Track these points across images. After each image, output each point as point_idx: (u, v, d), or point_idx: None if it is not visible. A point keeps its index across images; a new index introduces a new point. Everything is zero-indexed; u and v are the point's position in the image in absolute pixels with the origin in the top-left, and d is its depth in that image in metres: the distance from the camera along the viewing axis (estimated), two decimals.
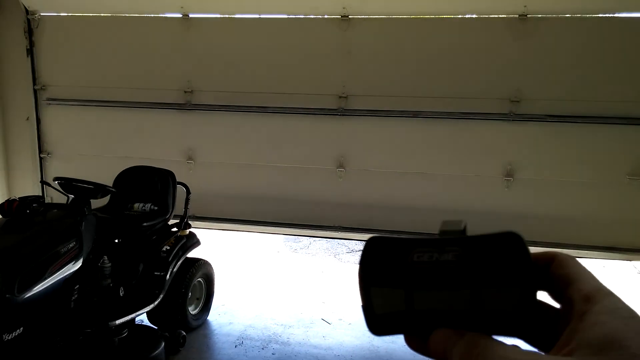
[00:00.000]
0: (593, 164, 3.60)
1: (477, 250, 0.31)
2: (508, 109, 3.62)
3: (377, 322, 0.34)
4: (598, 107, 3.47)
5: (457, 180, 3.81)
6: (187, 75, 4.03)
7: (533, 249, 0.31)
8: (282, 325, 3.35)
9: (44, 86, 4.29)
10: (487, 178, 3.76)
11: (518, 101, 3.60)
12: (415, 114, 3.75)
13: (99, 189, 2.55)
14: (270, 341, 3.12)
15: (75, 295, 2.34)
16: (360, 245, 3.75)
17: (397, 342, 3.02)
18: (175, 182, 3.29)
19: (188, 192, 3.40)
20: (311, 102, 3.87)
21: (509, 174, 3.72)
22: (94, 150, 4.26)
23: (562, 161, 3.63)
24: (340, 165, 3.95)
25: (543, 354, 0.28)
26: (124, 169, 3.39)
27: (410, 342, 0.34)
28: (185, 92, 4.06)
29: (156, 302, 2.80)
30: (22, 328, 2.04)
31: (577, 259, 0.33)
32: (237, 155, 4.11)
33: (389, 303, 0.33)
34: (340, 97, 3.83)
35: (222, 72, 3.98)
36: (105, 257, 2.51)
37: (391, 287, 0.33)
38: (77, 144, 4.30)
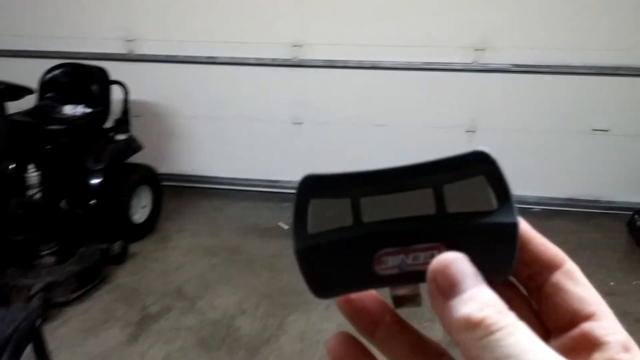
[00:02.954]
0: (558, 115, 3.80)
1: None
2: (472, 57, 3.79)
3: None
4: (565, 56, 3.67)
5: (419, 131, 3.95)
6: (128, 22, 4.06)
7: None
8: (237, 233, 3.44)
9: None
10: (448, 130, 3.91)
11: (483, 49, 3.77)
12: (374, 65, 3.88)
13: (12, 90, 2.51)
14: (222, 249, 3.17)
15: None
16: None
17: None
18: (109, 81, 3.28)
19: (126, 91, 3.39)
20: (264, 52, 3.95)
21: (472, 125, 3.88)
22: None
23: (526, 111, 3.82)
24: (297, 118, 4.05)
25: None
26: (51, 66, 3.34)
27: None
28: (127, 41, 4.08)
29: (90, 212, 2.83)
30: None
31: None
32: (187, 109, 4.14)
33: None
34: (294, 45, 3.93)
35: (167, 19, 4.02)
36: (32, 166, 2.51)
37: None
38: None
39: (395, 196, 0.28)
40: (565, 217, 3.72)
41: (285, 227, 3.55)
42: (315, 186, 0.29)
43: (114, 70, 3.54)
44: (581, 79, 3.69)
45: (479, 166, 0.28)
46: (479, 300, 0.24)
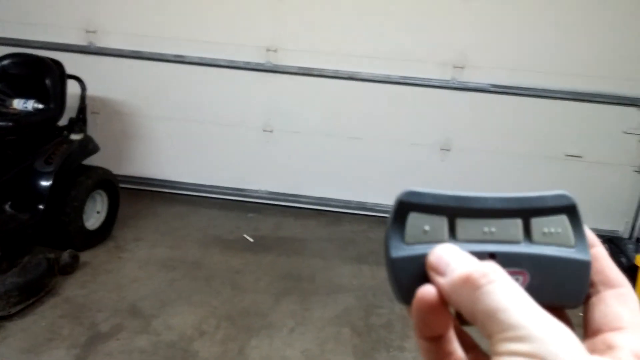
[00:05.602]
0: (533, 138, 3.84)
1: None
2: (451, 75, 3.79)
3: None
4: (543, 80, 3.71)
5: (392, 147, 3.92)
6: (90, 11, 3.88)
7: None
8: (198, 245, 3.29)
9: None
10: (423, 147, 3.91)
11: (462, 67, 3.77)
12: (351, 76, 3.84)
13: None
14: (181, 262, 3.03)
15: None
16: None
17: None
18: (64, 75, 3.13)
19: (83, 87, 3.24)
20: (236, 54, 3.85)
21: (447, 144, 3.89)
22: None
23: (501, 133, 3.85)
24: (268, 125, 3.97)
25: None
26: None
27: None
28: (87, 32, 3.91)
29: (37, 218, 2.70)
30: None
31: None
32: (150, 108, 4.00)
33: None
34: (268, 50, 3.84)
35: (132, 11, 3.87)
36: None
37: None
38: None
39: (489, 221, 0.32)
40: None
41: (251, 239, 3.46)
42: (416, 200, 0.32)
43: (72, 63, 3.38)
44: (558, 104, 3.75)
45: (562, 206, 0.33)
46: (466, 263, 0.29)
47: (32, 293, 2.45)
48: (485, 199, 0.32)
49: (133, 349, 2.24)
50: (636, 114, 3.74)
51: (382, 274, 3.13)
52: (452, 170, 3.90)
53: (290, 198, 4.07)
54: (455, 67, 3.78)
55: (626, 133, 3.78)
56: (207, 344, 2.32)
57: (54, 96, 3.01)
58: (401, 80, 3.80)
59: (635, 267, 2.96)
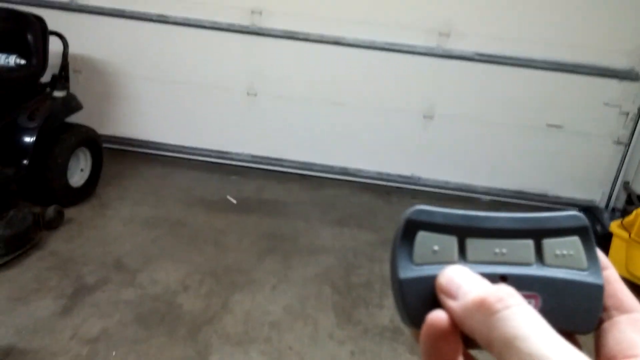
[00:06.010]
0: (515, 107, 3.95)
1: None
2: (436, 42, 3.86)
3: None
4: (527, 50, 3.80)
5: (376, 113, 4.01)
6: None
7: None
8: (181, 205, 3.38)
9: None
10: (406, 113, 4.00)
11: (447, 35, 3.84)
12: (337, 41, 3.89)
13: None
14: (165, 221, 3.13)
15: None
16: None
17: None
18: (47, 31, 3.15)
19: (65, 44, 3.27)
20: (220, 16, 3.87)
21: (430, 111, 3.99)
22: None
23: (484, 102, 3.95)
24: (252, 88, 4.02)
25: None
26: None
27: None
28: None
29: (22, 173, 2.75)
30: None
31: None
32: (133, 68, 4.02)
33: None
34: (253, 12, 3.86)
35: None
36: None
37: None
38: None
39: (500, 242, 0.32)
40: (513, 209, 3.91)
41: (234, 201, 3.55)
42: (425, 219, 0.32)
43: (53, 19, 3.36)
44: (541, 74, 3.84)
45: (574, 227, 0.33)
46: (479, 286, 0.29)
47: (19, 246, 2.53)
48: (496, 219, 0.32)
49: (119, 300, 2.34)
50: (617, 86, 3.85)
51: (362, 237, 3.26)
52: (434, 137, 4.01)
53: (273, 162, 4.16)
54: (440, 34, 3.84)
55: (607, 105, 3.90)
56: (191, 298, 2.43)
57: (36, 52, 3.02)
58: (386, 47, 3.86)
59: (610, 234, 3.10)
